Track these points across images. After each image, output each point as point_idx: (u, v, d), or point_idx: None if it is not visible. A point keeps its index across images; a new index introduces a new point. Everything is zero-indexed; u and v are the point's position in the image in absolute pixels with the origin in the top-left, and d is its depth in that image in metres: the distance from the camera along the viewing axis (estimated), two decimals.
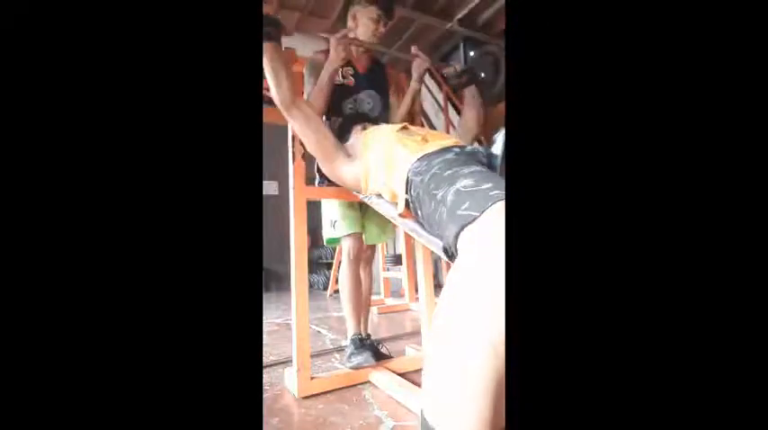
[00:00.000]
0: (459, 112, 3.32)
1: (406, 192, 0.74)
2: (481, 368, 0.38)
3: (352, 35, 1.33)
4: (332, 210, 1.32)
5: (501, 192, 0.47)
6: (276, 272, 3.69)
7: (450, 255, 0.51)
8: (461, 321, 0.41)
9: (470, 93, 1.18)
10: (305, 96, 1.24)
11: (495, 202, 0.46)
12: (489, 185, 0.51)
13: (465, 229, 0.47)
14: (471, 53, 3.25)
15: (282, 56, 0.98)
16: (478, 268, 0.41)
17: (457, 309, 0.42)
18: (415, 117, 1.46)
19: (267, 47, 0.93)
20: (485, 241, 0.43)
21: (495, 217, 0.45)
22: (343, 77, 1.29)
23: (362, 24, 1.29)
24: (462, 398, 0.39)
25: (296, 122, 1.03)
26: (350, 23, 1.32)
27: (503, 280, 0.38)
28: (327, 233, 1.34)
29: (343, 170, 1.00)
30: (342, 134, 1.21)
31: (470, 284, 0.41)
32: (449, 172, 0.62)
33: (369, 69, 1.35)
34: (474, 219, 0.47)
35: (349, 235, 1.30)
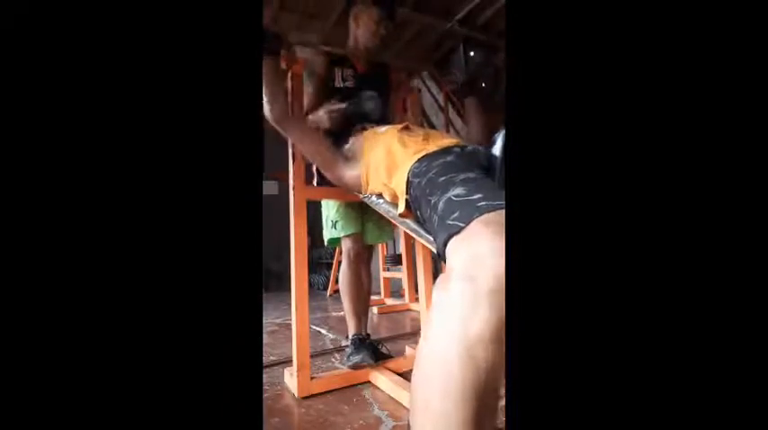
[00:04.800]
0: (459, 112, 3.33)
1: (407, 193, 0.74)
2: (461, 375, 0.38)
3: (352, 36, 1.33)
4: (332, 211, 1.32)
5: (489, 203, 0.48)
6: (276, 272, 3.69)
7: (443, 260, 0.52)
8: (441, 332, 0.41)
9: (471, 103, 1.19)
10: (304, 96, 1.24)
11: (481, 214, 0.47)
12: (479, 196, 0.51)
13: (452, 239, 0.48)
14: (472, 53, 3.25)
15: (279, 71, 0.99)
16: (458, 284, 0.42)
17: (439, 323, 0.42)
18: (415, 117, 1.46)
19: (265, 61, 0.93)
20: (467, 254, 0.44)
21: (480, 228, 0.45)
22: (344, 80, 1.29)
23: (363, 26, 1.28)
24: (442, 404, 0.39)
25: (292, 136, 1.05)
26: (351, 25, 1.32)
27: (481, 297, 0.39)
28: (328, 233, 1.34)
29: (344, 173, 1.01)
30: (342, 135, 1.21)
31: (449, 301, 0.42)
32: (443, 178, 0.62)
33: (369, 70, 1.35)
34: (460, 230, 0.47)
35: (349, 235, 1.30)
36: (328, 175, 1.08)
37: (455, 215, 0.50)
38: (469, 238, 0.45)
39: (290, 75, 1.21)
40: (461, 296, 0.41)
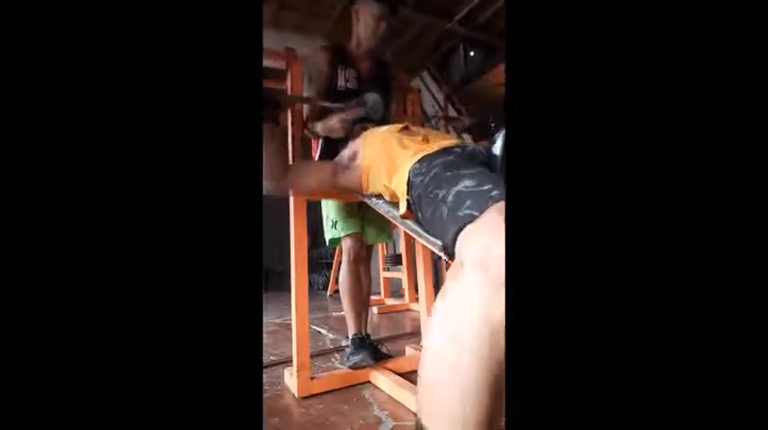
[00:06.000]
0: (459, 113, 3.33)
1: (408, 193, 0.74)
2: (473, 369, 0.38)
3: (355, 34, 1.32)
4: (332, 211, 1.32)
5: (501, 193, 0.48)
6: (276, 272, 3.69)
7: (449, 254, 0.51)
8: (453, 323, 0.41)
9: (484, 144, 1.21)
10: (304, 95, 1.24)
11: (495, 202, 0.46)
12: (490, 186, 0.51)
13: (465, 229, 0.48)
14: (471, 53, 3.25)
15: (277, 137, 1.00)
16: (473, 272, 0.42)
17: (450, 314, 0.42)
18: (415, 118, 1.46)
19: (264, 128, 0.94)
20: (483, 242, 0.43)
21: (494, 216, 0.45)
22: (347, 80, 1.28)
23: (363, 21, 1.28)
24: (453, 400, 0.39)
25: (291, 190, 1.06)
26: (353, 21, 1.31)
27: (499, 284, 0.38)
28: (329, 233, 1.34)
29: (345, 180, 1.00)
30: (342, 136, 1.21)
31: (465, 289, 0.42)
32: (449, 173, 0.62)
33: (372, 70, 1.34)
34: (474, 219, 0.47)
35: (349, 235, 1.29)
36: (338, 191, 1.08)
37: (467, 204, 0.50)
38: (484, 227, 0.45)
39: (289, 75, 1.21)
40: (479, 282, 0.40)
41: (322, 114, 1.21)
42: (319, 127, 1.18)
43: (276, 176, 0.97)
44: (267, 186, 0.97)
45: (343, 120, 1.13)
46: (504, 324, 0.37)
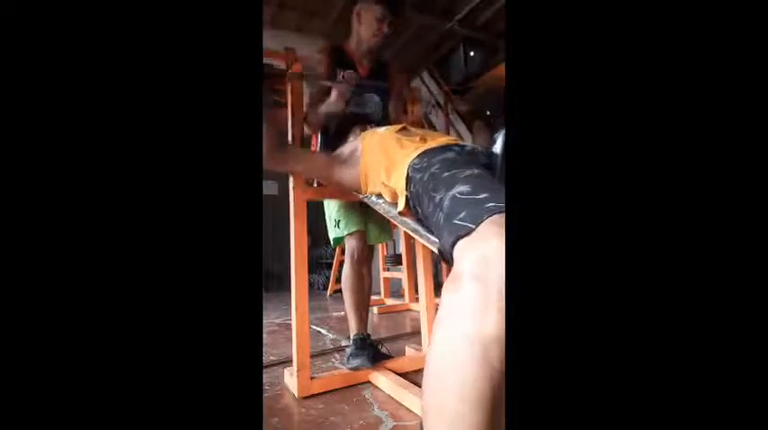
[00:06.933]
0: (458, 113, 3.33)
1: (407, 189, 0.74)
2: (475, 377, 0.38)
3: (355, 35, 1.32)
4: (334, 211, 1.32)
5: (496, 204, 0.48)
6: (276, 272, 3.69)
7: (447, 260, 0.51)
8: (454, 335, 0.41)
9: (478, 125, 1.21)
10: (304, 97, 1.24)
11: (491, 215, 0.46)
12: (486, 195, 0.51)
13: (461, 241, 0.48)
14: (471, 53, 3.25)
15: (272, 118, 1.00)
16: (470, 286, 0.42)
17: (451, 325, 0.42)
18: (414, 118, 1.46)
19: (264, 101, 0.95)
20: (478, 257, 0.44)
21: (491, 229, 0.45)
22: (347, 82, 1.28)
23: (366, 23, 1.27)
24: (457, 406, 0.39)
25: (282, 168, 1.07)
26: (354, 22, 1.31)
27: (492, 301, 0.39)
28: (333, 233, 1.34)
29: (342, 176, 1.00)
30: (342, 135, 1.20)
31: (461, 303, 0.42)
32: (447, 173, 0.62)
33: (372, 71, 1.34)
34: (469, 232, 0.47)
35: (352, 233, 1.29)
36: (330, 183, 1.08)
37: (462, 215, 0.50)
38: (479, 241, 0.45)
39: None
40: (473, 298, 0.40)
41: (320, 101, 1.21)
42: (322, 109, 1.19)
43: (272, 154, 0.98)
44: (264, 163, 0.97)
45: (340, 89, 1.14)
46: (495, 339, 0.38)
